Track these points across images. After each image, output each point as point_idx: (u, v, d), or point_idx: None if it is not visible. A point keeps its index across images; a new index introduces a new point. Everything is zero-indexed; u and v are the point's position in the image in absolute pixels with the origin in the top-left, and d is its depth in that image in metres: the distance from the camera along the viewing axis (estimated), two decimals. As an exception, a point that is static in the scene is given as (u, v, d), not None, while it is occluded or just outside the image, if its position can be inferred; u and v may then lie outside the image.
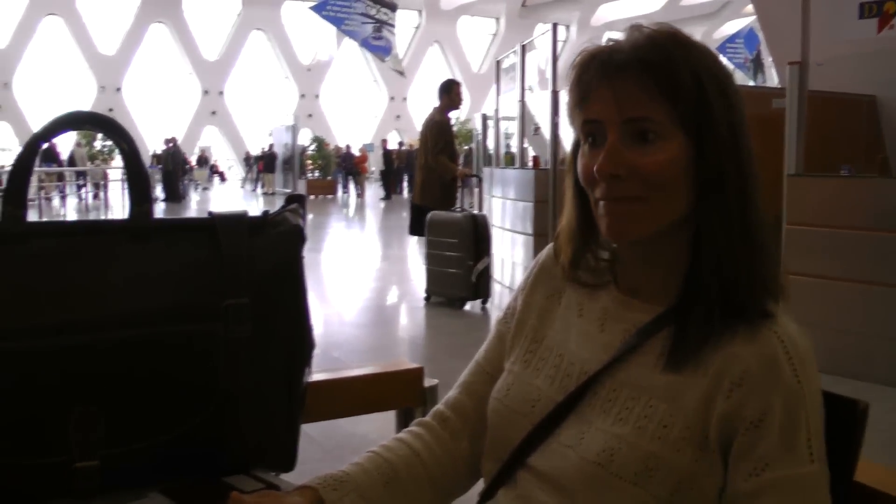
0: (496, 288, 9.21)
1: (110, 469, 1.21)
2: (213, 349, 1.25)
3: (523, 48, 9.91)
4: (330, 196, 32.22)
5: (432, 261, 8.51)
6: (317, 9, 15.25)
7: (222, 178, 44.70)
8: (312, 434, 1.35)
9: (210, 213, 1.30)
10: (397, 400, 1.74)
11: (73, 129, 1.29)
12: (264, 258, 1.30)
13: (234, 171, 46.67)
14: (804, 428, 1.06)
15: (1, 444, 1.16)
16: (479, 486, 1.32)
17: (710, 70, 1.13)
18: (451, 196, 8.81)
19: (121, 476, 1.22)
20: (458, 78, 22.04)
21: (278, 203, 1.43)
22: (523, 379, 1.29)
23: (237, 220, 1.31)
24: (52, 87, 41.16)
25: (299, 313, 1.35)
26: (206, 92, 46.43)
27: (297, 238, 1.35)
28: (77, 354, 1.17)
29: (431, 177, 8.78)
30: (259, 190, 35.25)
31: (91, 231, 1.26)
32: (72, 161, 27.05)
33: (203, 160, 40.36)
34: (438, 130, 8.75)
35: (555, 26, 9.12)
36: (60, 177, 26.02)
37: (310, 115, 46.01)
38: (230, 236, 1.29)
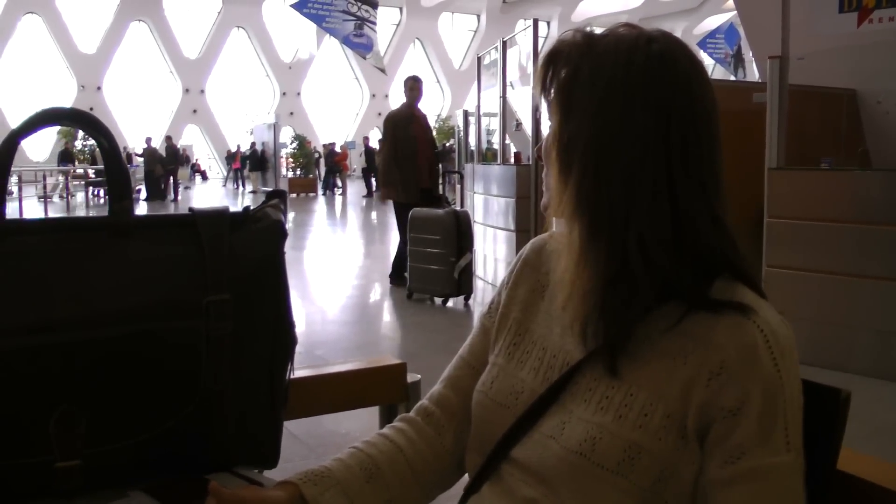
0: (479, 284, 9.22)
1: (92, 468, 1.20)
2: (195, 346, 1.24)
3: (504, 44, 9.91)
4: (312, 194, 32.15)
5: (414, 257, 8.50)
6: (298, 6, 15.19)
7: (204, 177, 44.57)
8: (295, 431, 1.35)
9: (191, 210, 1.29)
10: (380, 396, 1.73)
11: (53, 125, 1.28)
12: (245, 254, 1.29)
13: (215, 169, 46.53)
14: (782, 417, 1.06)
15: None
16: (465, 480, 1.32)
17: (578, 63, 1.17)
18: (412, 191, 8.91)
19: (103, 475, 1.22)
20: (440, 74, 21.99)
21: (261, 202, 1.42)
22: (507, 371, 1.29)
23: (218, 216, 1.30)
24: (33, 86, 40.91)
25: (281, 309, 1.35)
26: (186, 90, 46.26)
27: (278, 233, 1.34)
28: (57, 353, 1.16)
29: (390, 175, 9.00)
30: (242, 188, 35.18)
31: (71, 228, 1.24)
32: (93, 160, 27.51)
33: (185, 159, 40.25)
34: (384, 128, 9.02)
35: (536, 22, 9.12)
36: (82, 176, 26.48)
37: (291, 113, 45.93)
38: (211, 232, 1.28)
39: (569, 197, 1.16)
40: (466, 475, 1.32)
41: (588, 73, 1.15)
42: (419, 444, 1.34)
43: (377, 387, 1.72)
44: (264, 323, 1.32)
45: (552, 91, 1.20)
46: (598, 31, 1.19)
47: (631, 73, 1.13)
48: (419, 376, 1.76)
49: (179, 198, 28.83)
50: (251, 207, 1.35)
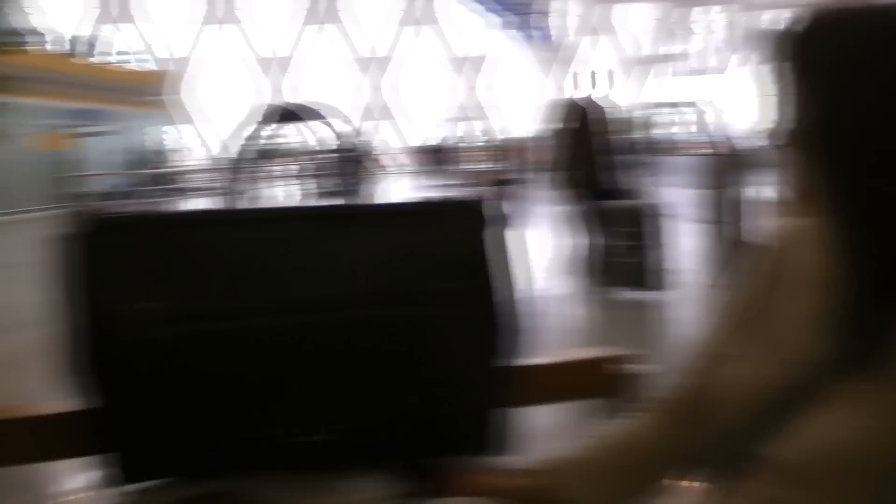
0: (675, 277, 8.99)
1: (328, 446, 1.27)
2: (424, 333, 1.27)
3: (684, 32, 9.69)
4: (500, 187, 32.32)
5: (606, 251, 8.43)
6: (478, 1, 15.30)
7: (395, 171, 45.48)
8: (519, 420, 1.37)
9: (419, 199, 1.33)
10: (602, 387, 1.70)
11: (293, 122, 1.34)
12: (472, 242, 1.32)
13: (405, 163, 47.47)
14: None
15: (223, 419, 1.24)
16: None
17: (830, 41, 1.10)
18: (587, 182, 8.79)
19: (339, 453, 1.29)
20: (617, 65, 21.74)
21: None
22: (749, 365, 1.22)
23: (444, 205, 1.36)
24: (227, 91, 43.02)
25: (507, 297, 1.36)
26: (374, 87, 47.44)
27: (502, 223, 1.36)
28: (291, 335, 1.23)
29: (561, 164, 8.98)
30: (434, 182, 35.73)
31: (307, 217, 1.32)
32: (296, 154, 28.86)
33: (375, 153, 41.29)
34: (558, 117, 8.99)
35: (714, 10, 8.87)
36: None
37: (476, 107, 46.35)
38: (438, 221, 1.32)
39: (822, 187, 1.09)
40: (702, 470, 1.28)
41: (846, 53, 1.07)
42: (658, 433, 1.31)
43: (599, 378, 1.70)
44: (492, 311, 1.33)
45: (800, 73, 1.11)
46: (850, 6, 1.11)
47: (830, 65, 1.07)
48: (641, 368, 1.72)
49: (373, 191, 29.47)
50: (475, 198, 1.36)
